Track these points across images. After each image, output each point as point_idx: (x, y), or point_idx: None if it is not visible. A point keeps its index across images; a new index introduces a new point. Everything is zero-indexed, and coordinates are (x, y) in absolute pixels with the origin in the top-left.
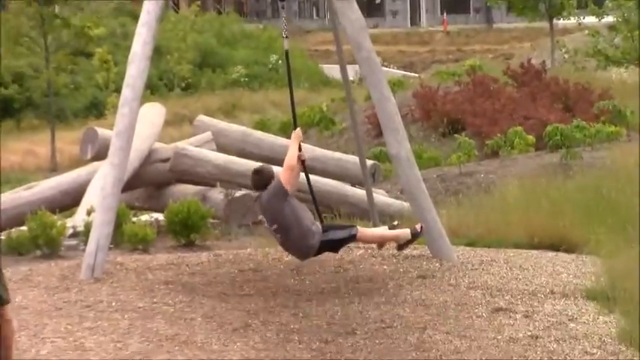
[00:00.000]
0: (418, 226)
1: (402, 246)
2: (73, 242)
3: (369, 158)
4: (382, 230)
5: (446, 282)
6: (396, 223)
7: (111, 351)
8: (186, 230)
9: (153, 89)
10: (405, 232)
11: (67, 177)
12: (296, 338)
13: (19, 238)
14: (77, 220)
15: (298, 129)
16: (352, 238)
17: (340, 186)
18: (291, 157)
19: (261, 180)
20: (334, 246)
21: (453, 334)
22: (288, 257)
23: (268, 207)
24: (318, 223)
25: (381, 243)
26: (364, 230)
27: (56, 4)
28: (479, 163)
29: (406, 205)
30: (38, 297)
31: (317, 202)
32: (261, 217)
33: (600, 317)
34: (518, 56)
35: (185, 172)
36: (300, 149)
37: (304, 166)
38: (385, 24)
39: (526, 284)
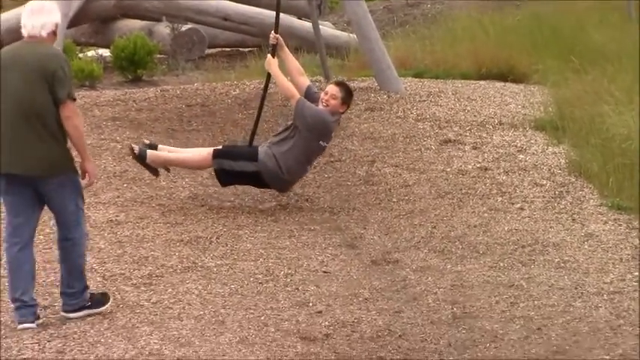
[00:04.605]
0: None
1: (140, 156)
2: None
3: None
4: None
5: (394, 114)
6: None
7: None
8: (132, 66)
9: None
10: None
11: (12, 14)
12: None
13: None
14: None
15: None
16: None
17: (287, 19)
18: (287, 89)
19: None
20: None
21: (402, 167)
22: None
23: None
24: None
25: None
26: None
27: None
28: None
29: (353, 37)
30: None
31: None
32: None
33: (549, 148)
34: None
35: (131, 7)
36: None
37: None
38: None
39: (474, 115)
